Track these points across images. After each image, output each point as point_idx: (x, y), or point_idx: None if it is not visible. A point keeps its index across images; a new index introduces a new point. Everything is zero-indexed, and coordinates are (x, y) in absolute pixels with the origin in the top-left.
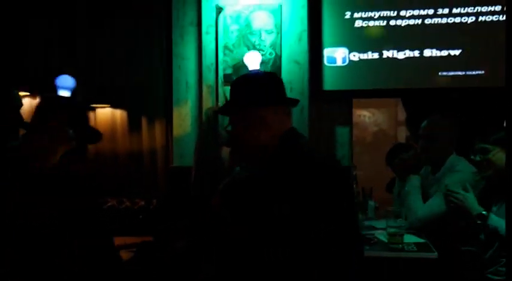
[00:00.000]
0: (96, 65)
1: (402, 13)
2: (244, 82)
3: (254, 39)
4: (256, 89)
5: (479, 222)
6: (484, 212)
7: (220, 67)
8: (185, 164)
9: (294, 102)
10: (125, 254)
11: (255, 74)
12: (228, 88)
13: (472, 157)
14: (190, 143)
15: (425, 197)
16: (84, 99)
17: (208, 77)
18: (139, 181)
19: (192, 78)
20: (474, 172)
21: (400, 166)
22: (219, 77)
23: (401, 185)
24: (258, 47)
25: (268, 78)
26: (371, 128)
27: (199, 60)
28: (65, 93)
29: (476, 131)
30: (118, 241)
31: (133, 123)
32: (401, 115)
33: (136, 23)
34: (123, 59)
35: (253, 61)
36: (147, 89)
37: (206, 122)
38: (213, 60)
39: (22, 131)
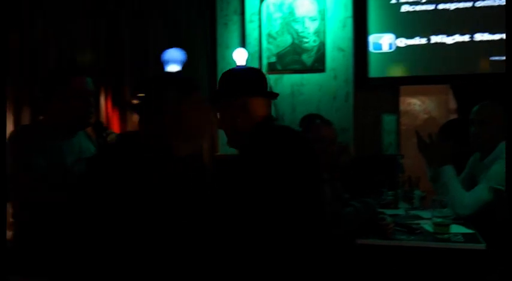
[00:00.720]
0: (141, 57)
1: None
2: (230, 75)
3: (298, 26)
4: (240, 81)
5: None
6: None
7: (264, 55)
8: (230, 152)
9: (273, 94)
10: None
11: (240, 69)
12: (272, 76)
13: None
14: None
15: (474, 184)
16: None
17: (253, 65)
18: None
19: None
20: None
21: (433, 153)
22: (263, 65)
23: (431, 170)
24: (301, 34)
25: (251, 73)
26: (421, 116)
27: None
28: (174, 67)
29: None
30: None
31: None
32: (452, 103)
33: (180, 14)
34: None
35: (240, 57)
36: (193, 77)
37: None
38: (257, 49)
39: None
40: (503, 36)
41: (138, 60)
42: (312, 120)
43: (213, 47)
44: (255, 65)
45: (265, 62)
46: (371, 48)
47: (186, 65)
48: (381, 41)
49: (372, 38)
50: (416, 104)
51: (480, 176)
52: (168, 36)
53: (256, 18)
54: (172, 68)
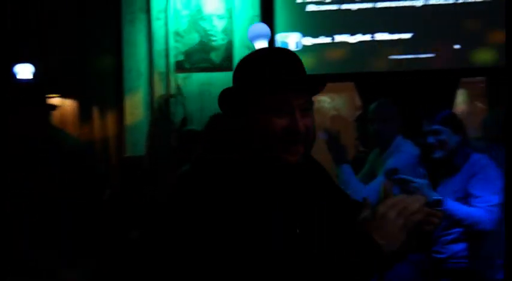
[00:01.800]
0: (46, 54)
1: None
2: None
3: (205, 24)
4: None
5: (437, 208)
6: (439, 198)
7: (171, 53)
8: (138, 153)
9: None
10: None
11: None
12: (180, 75)
13: (426, 140)
14: (143, 132)
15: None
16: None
17: (160, 63)
18: (91, 171)
19: (143, 66)
20: (417, 154)
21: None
22: (170, 63)
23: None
24: (209, 32)
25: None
26: (331, 113)
27: (150, 47)
28: (262, 43)
29: (424, 114)
30: None
31: (84, 113)
32: (359, 99)
33: (85, 11)
34: (73, 48)
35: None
36: (98, 77)
37: (158, 110)
38: (164, 47)
39: None
40: (402, 36)
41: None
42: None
43: (119, 46)
44: (162, 63)
45: (172, 60)
46: (278, 46)
47: (92, 65)
48: (287, 40)
49: (279, 37)
50: (326, 101)
51: (378, 171)
52: (75, 33)
53: (162, 15)
54: (260, 44)
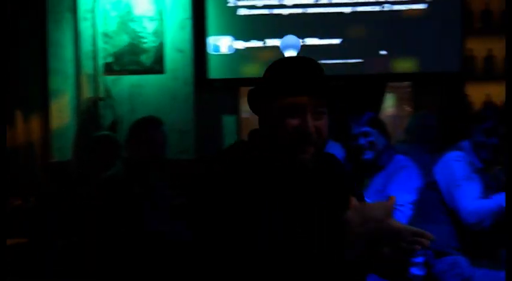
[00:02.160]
0: None
1: (285, 2)
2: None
3: (135, 26)
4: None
5: None
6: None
7: (100, 55)
8: (66, 157)
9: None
10: None
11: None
12: (109, 77)
13: (355, 142)
14: (70, 136)
15: None
16: None
17: (87, 65)
18: (15, 178)
19: (69, 68)
20: (343, 157)
21: None
22: (99, 65)
23: None
24: (139, 34)
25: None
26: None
27: (77, 48)
28: (291, 53)
29: (352, 117)
30: None
31: (6, 117)
32: None
33: (7, 9)
34: None
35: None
36: (21, 79)
37: (86, 113)
38: (92, 48)
39: None
40: (331, 41)
41: None
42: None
43: (44, 47)
44: (90, 65)
45: (100, 62)
46: (210, 50)
47: (16, 66)
48: (219, 43)
49: (211, 40)
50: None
51: None
52: None
53: (90, 16)
54: (290, 53)
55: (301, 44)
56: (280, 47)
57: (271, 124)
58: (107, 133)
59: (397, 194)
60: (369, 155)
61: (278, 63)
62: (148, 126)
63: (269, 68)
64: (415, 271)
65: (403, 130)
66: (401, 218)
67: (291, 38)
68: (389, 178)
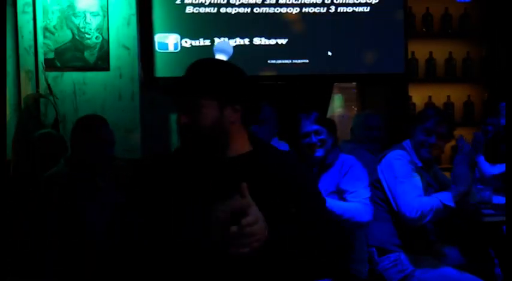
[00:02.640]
0: None
1: (232, 1)
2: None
3: (78, 21)
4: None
5: None
6: None
7: (41, 51)
8: (5, 157)
9: None
10: None
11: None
12: (50, 73)
13: (307, 140)
14: (10, 134)
15: None
16: None
17: (27, 61)
18: None
19: (8, 63)
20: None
21: None
22: (40, 61)
23: None
24: (83, 30)
25: None
26: None
27: (16, 43)
28: (221, 57)
29: (301, 116)
30: None
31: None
32: None
33: None
34: None
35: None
36: None
37: (25, 111)
38: (32, 43)
39: None
40: (279, 41)
41: None
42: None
43: None
44: (31, 60)
45: (41, 58)
46: (157, 47)
47: None
48: (166, 41)
49: (158, 37)
50: None
51: None
52: None
53: (30, 9)
54: (220, 57)
55: (247, 43)
56: (213, 50)
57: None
58: (50, 131)
59: (355, 190)
60: (319, 153)
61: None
62: (97, 125)
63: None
64: (360, 267)
65: (349, 130)
66: (368, 212)
67: (223, 44)
68: (341, 176)
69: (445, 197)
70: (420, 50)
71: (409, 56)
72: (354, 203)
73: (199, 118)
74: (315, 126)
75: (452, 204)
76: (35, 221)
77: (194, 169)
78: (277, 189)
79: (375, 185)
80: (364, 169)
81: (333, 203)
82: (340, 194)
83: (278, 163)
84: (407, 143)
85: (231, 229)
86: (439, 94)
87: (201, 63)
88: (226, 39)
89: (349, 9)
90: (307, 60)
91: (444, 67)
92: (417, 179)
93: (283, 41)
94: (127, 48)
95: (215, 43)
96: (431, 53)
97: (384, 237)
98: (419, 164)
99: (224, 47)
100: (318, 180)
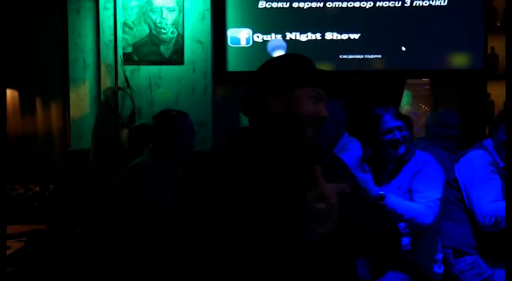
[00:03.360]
0: None
1: None
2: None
3: (155, 17)
4: None
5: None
6: (381, 193)
7: (120, 45)
8: (84, 147)
9: None
10: (15, 244)
11: None
12: (128, 67)
13: (391, 136)
14: (89, 125)
15: None
16: None
17: (107, 55)
18: (34, 165)
19: (89, 57)
20: (362, 151)
21: None
22: (119, 55)
23: None
24: (159, 25)
25: None
26: None
27: (97, 38)
28: (280, 52)
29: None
30: (10, 229)
31: (26, 105)
32: None
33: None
34: (14, 37)
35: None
36: (41, 68)
37: (105, 103)
38: (112, 38)
39: None
40: (351, 35)
41: None
42: (167, 112)
43: (64, 36)
44: (110, 55)
45: (120, 52)
46: (229, 42)
47: (35, 55)
48: (239, 36)
49: (230, 32)
50: None
51: None
52: (18, 22)
53: (111, 5)
54: (279, 54)
55: (319, 38)
56: (268, 50)
57: (286, 114)
58: (146, 122)
59: (423, 190)
60: (402, 149)
61: (280, 60)
62: (180, 116)
63: (271, 66)
64: (435, 268)
65: (422, 127)
66: (429, 215)
67: (277, 41)
68: (413, 175)
69: None
70: (501, 46)
71: (489, 51)
72: (418, 204)
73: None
74: (398, 122)
75: None
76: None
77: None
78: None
79: (452, 185)
80: (439, 166)
81: (395, 201)
82: (409, 193)
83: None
84: (488, 142)
85: (319, 206)
86: None
87: (309, 59)
88: (297, 33)
89: (425, 3)
90: (380, 56)
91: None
92: (496, 181)
93: (356, 36)
94: (201, 42)
95: (269, 42)
96: None
97: (460, 238)
98: (502, 165)
99: (280, 44)
100: (394, 177)
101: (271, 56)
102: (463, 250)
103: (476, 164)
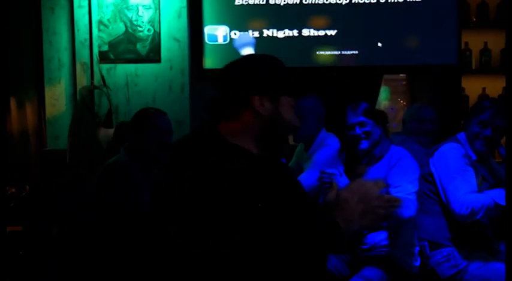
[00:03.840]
0: None
1: None
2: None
3: (131, 14)
4: None
5: None
6: None
7: (95, 43)
8: (60, 147)
9: None
10: None
11: None
12: (104, 66)
13: (352, 132)
14: (65, 124)
15: (301, 172)
16: None
17: (83, 54)
18: (10, 166)
19: (64, 55)
20: (339, 146)
21: None
22: (94, 54)
23: None
24: (135, 23)
25: None
26: None
27: (72, 36)
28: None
29: (348, 108)
30: None
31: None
32: None
33: None
34: None
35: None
36: (15, 67)
37: (81, 102)
38: (87, 36)
39: None
40: (327, 32)
41: None
42: (145, 110)
43: (38, 34)
44: (86, 53)
45: (96, 50)
46: (206, 39)
47: (8, 53)
48: (216, 33)
49: (207, 29)
50: None
51: (304, 165)
52: None
53: (85, 3)
54: (248, 51)
55: (296, 35)
56: (236, 46)
57: (277, 120)
58: (126, 120)
59: (400, 184)
60: (364, 145)
61: (269, 63)
62: (158, 114)
63: (260, 68)
64: (410, 260)
65: (400, 122)
66: (411, 207)
67: (244, 37)
68: (389, 168)
69: (498, 195)
70: (474, 41)
71: (463, 46)
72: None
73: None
74: (360, 118)
75: (504, 203)
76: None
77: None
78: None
79: (427, 178)
80: (414, 161)
81: None
82: (387, 187)
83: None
84: (461, 135)
85: (376, 199)
86: (494, 86)
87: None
88: (274, 30)
89: None
90: (356, 52)
91: (500, 58)
92: (470, 173)
93: (333, 32)
94: (177, 40)
95: (237, 38)
96: (486, 43)
97: (436, 231)
98: (474, 158)
99: (245, 41)
100: (366, 173)
101: (242, 53)
102: (439, 242)
103: (450, 157)
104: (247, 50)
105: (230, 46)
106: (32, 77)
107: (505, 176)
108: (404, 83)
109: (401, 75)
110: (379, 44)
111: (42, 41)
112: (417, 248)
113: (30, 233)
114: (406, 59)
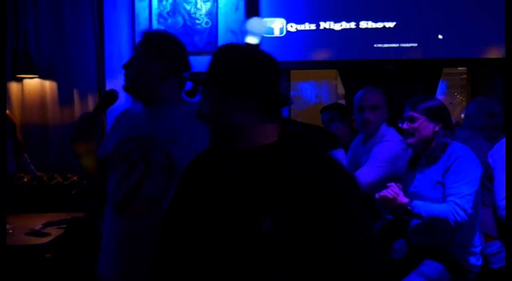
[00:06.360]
0: (22, 34)
1: None
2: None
3: (189, 7)
4: None
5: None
6: (408, 207)
7: None
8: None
9: None
10: (54, 231)
11: None
12: None
13: (400, 125)
14: None
15: (357, 166)
16: None
17: None
18: (72, 155)
19: (125, 49)
20: (401, 140)
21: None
22: None
23: None
24: (193, 15)
25: None
26: (312, 101)
27: (133, 30)
28: (253, 39)
29: (407, 101)
30: (49, 217)
31: (64, 96)
32: (341, 88)
33: None
34: (52, 29)
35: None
36: (79, 60)
37: None
38: (147, 29)
39: None
40: (386, 24)
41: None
42: None
43: (100, 28)
44: None
45: None
46: None
47: (73, 46)
48: (272, 25)
49: (264, 22)
50: (308, 89)
51: (362, 159)
52: (50, 17)
53: None
54: (251, 40)
55: (354, 27)
56: (246, 29)
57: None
58: None
59: (455, 186)
60: (410, 140)
61: (272, 65)
62: None
63: (266, 66)
64: (472, 260)
65: (457, 117)
66: (460, 213)
67: (254, 23)
68: (446, 168)
69: None
70: None
71: None
72: (446, 205)
73: (205, 108)
74: (410, 113)
75: None
76: None
77: (214, 162)
78: (296, 189)
79: (486, 171)
80: (474, 160)
81: (420, 208)
82: (443, 186)
83: (303, 160)
84: None
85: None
86: None
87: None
88: (331, 22)
89: None
90: (415, 44)
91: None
92: None
93: (391, 25)
94: (234, 33)
95: (247, 23)
96: None
97: (492, 223)
98: None
99: (255, 28)
100: (423, 171)
101: (248, 36)
102: (491, 234)
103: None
104: (252, 39)
105: (287, 39)
106: (95, 70)
107: (506, 176)
108: (462, 76)
109: (459, 68)
110: (440, 36)
111: (104, 35)
112: (480, 248)
113: (91, 220)
114: (468, 52)
